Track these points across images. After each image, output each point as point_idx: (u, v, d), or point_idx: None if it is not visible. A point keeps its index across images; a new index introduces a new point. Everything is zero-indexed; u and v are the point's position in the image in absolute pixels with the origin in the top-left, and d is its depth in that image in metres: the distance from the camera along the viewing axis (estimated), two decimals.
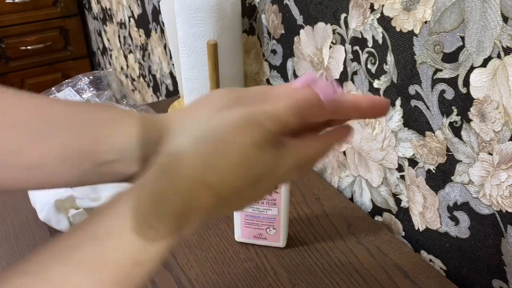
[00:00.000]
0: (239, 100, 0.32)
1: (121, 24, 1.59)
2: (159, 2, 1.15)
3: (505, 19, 0.46)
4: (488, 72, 0.49)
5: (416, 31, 0.56)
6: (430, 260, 0.65)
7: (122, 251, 0.28)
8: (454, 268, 0.62)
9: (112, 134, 0.33)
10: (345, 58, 0.68)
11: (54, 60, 2.17)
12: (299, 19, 0.75)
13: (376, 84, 0.64)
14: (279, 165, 0.32)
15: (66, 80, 0.91)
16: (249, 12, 0.87)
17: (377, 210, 0.72)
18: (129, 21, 1.49)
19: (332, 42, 0.70)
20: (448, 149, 0.57)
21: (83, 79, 0.90)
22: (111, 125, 0.34)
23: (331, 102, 0.33)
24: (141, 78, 1.59)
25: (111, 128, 0.34)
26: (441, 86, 0.55)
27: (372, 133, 0.67)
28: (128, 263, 0.28)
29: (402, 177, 0.65)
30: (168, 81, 1.37)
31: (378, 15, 0.60)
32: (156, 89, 1.50)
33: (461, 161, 0.56)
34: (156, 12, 1.26)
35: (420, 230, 0.65)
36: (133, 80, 1.68)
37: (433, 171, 0.60)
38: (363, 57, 0.65)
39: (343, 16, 0.66)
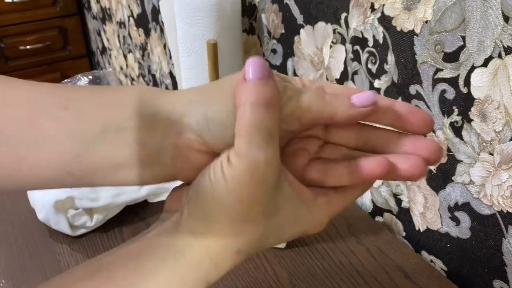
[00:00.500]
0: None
1: (121, 24, 1.58)
2: (158, 1, 1.15)
3: (506, 18, 0.46)
4: (489, 72, 0.49)
5: (417, 31, 0.55)
6: (431, 261, 0.65)
7: None
8: (455, 269, 0.61)
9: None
10: (346, 58, 0.68)
11: (53, 60, 2.16)
12: (300, 19, 0.75)
13: (376, 84, 0.64)
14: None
15: (65, 80, 0.91)
16: (249, 12, 0.87)
17: (377, 210, 0.72)
18: (129, 20, 1.49)
19: (332, 42, 0.70)
20: (449, 149, 0.57)
21: (82, 79, 0.90)
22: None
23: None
24: (140, 78, 1.59)
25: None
26: (442, 86, 0.55)
27: None
28: None
29: None
30: (168, 81, 1.36)
31: (379, 14, 0.60)
32: None
33: (462, 161, 0.55)
34: (156, 11, 1.25)
35: (421, 231, 0.65)
36: (133, 79, 1.68)
37: (434, 171, 0.60)
38: (364, 56, 0.65)
39: (343, 15, 0.66)
